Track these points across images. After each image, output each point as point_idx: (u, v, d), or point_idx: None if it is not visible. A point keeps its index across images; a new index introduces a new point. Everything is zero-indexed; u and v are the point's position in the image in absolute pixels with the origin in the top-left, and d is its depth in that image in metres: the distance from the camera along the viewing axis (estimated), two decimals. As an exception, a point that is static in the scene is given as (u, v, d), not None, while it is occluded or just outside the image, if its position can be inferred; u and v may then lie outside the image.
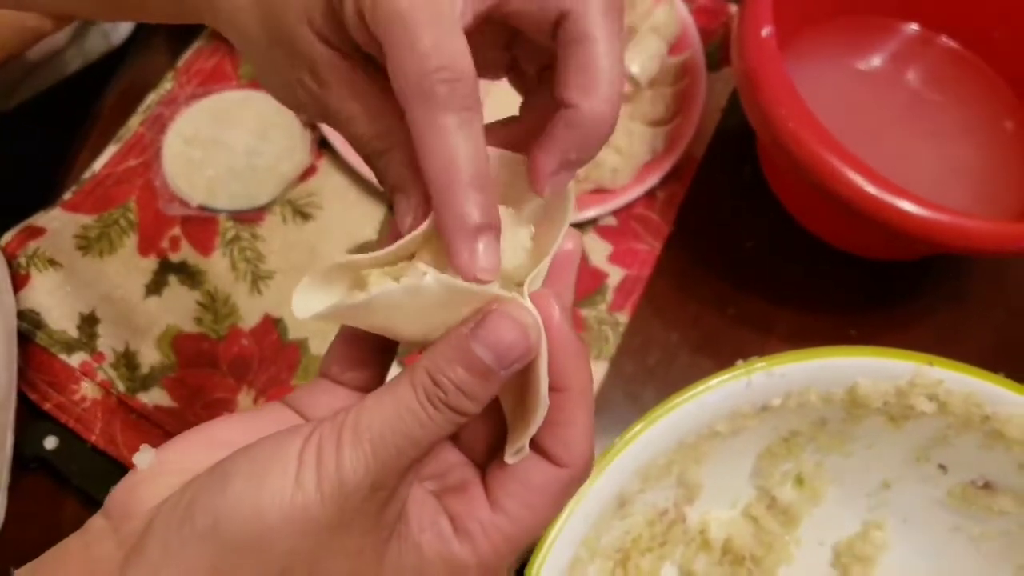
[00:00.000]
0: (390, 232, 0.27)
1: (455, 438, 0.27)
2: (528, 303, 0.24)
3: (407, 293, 0.23)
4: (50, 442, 0.49)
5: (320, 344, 0.54)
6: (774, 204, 0.61)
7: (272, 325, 0.54)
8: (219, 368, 0.53)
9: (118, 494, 0.24)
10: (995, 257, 0.59)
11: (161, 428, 0.50)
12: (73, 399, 0.50)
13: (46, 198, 0.57)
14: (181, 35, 0.63)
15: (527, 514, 0.25)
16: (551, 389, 0.24)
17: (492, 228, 0.24)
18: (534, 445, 0.25)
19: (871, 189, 0.47)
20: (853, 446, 0.46)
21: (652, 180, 0.59)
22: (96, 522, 0.24)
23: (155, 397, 0.51)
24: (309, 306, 0.25)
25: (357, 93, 0.26)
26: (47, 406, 0.50)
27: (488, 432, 0.26)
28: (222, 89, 0.60)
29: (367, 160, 0.27)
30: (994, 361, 0.57)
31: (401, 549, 0.24)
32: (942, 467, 0.46)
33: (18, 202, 0.56)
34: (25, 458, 0.48)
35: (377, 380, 0.27)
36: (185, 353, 0.53)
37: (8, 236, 0.53)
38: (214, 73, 0.61)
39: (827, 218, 0.58)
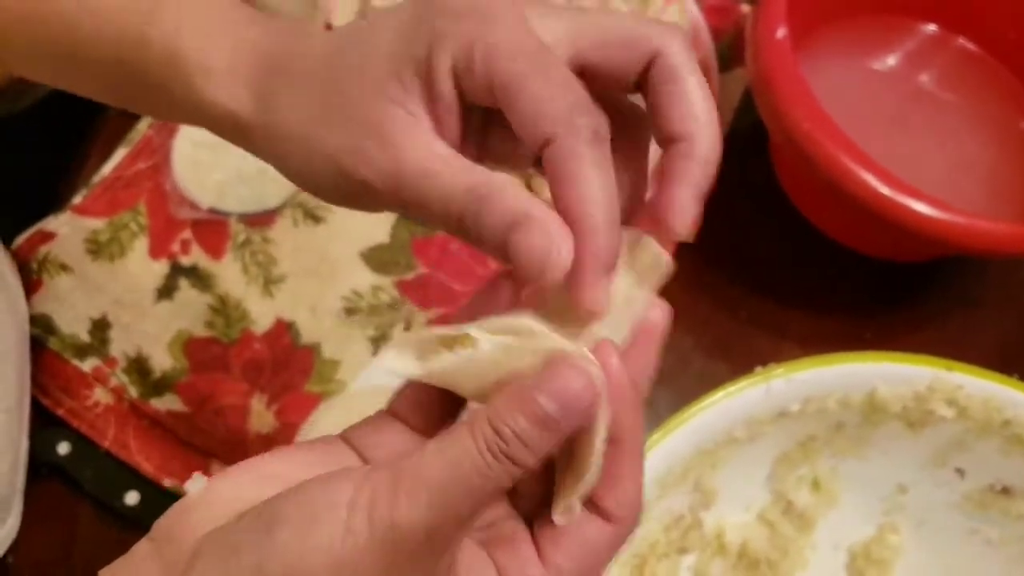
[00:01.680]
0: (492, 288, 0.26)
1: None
2: (589, 355, 0.23)
3: (464, 360, 0.23)
4: (63, 447, 0.49)
5: (333, 348, 0.54)
6: (787, 205, 0.60)
7: (284, 329, 0.54)
8: (231, 373, 0.53)
9: (166, 520, 0.24)
10: (1010, 258, 0.59)
11: (174, 433, 0.50)
12: (86, 404, 0.50)
13: (56, 202, 0.56)
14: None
15: (576, 569, 0.24)
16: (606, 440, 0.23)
17: (612, 269, 0.24)
18: (588, 501, 0.24)
19: (886, 190, 0.47)
20: (870, 450, 0.46)
21: (664, 182, 0.58)
22: (142, 546, 0.24)
23: (167, 402, 0.51)
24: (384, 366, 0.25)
25: (435, 151, 0.25)
26: (60, 411, 0.50)
27: (537, 483, 0.26)
28: (232, 91, 0.60)
29: (455, 221, 0.25)
30: (1009, 362, 0.57)
31: None
32: (959, 471, 0.46)
33: (29, 206, 0.56)
34: (39, 464, 0.48)
35: (443, 426, 0.27)
36: (197, 358, 0.53)
37: (19, 241, 0.53)
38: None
39: (841, 219, 0.58)
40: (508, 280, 0.26)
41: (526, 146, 0.25)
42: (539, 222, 0.23)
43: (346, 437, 0.26)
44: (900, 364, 0.41)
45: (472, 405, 0.26)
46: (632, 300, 0.26)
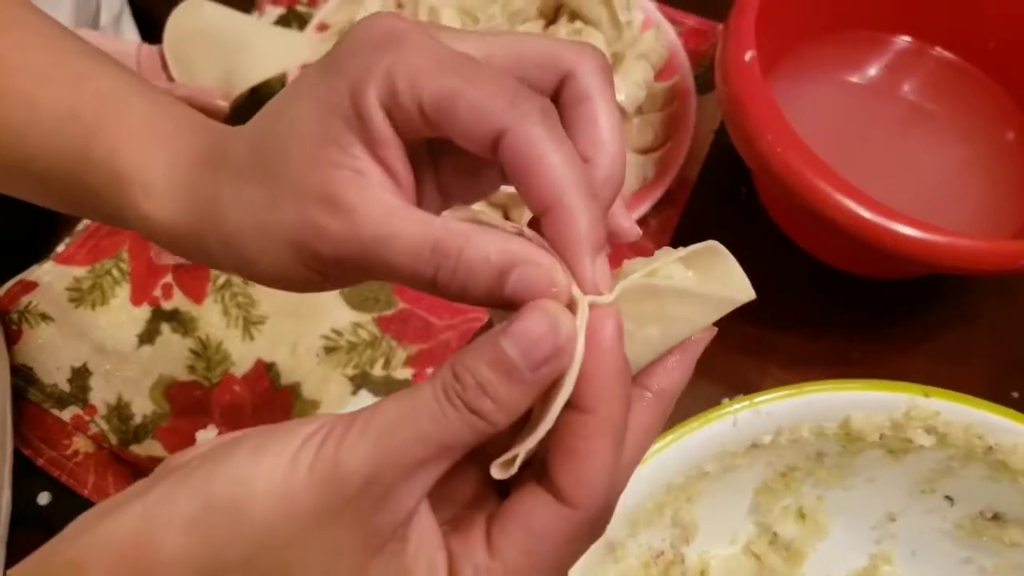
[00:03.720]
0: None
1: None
2: (584, 309, 0.22)
3: None
4: (43, 498, 0.49)
5: (313, 388, 0.54)
6: (771, 226, 0.60)
7: (265, 370, 0.54)
8: (212, 416, 0.53)
9: (169, 459, 0.24)
10: (996, 276, 0.57)
11: (154, 479, 0.50)
12: (65, 454, 0.50)
13: (40, 253, 0.57)
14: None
15: (525, 562, 0.22)
16: (575, 407, 0.21)
17: (605, 244, 0.23)
18: (545, 479, 0.22)
19: (865, 213, 0.46)
20: (854, 479, 0.45)
21: (643, 208, 0.58)
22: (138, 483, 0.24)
23: (148, 448, 0.51)
24: None
25: (390, 205, 0.24)
26: (40, 462, 0.50)
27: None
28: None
29: (427, 282, 0.23)
30: (1003, 379, 0.56)
31: (388, 569, 0.22)
32: (948, 498, 0.44)
33: (13, 258, 0.57)
34: (20, 515, 0.48)
35: None
36: (178, 402, 0.53)
37: (1, 292, 0.54)
38: (203, 119, 0.62)
39: (824, 240, 0.57)
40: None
41: (478, 153, 0.24)
42: (527, 260, 0.22)
43: None
44: (874, 391, 0.40)
45: None
46: (686, 307, 0.24)
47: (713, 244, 0.25)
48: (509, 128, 0.23)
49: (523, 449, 0.21)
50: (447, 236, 0.23)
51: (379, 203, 0.24)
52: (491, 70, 0.24)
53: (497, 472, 0.22)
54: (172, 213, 0.29)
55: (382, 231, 0.23)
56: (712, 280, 0.25)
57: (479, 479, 0.24)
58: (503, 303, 0.23)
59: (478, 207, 0.27)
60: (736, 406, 0.39)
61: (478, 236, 0.23)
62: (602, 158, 0.25)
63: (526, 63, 0.25)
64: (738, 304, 0.25)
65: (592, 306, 0.22)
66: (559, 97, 0.25)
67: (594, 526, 0.23)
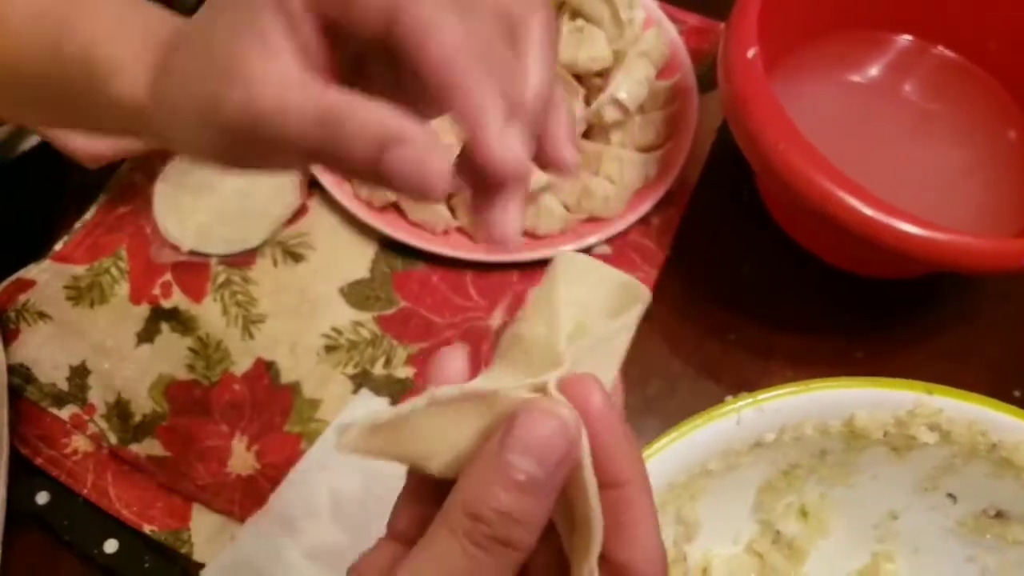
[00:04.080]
0: None
1: None
2: (559, 396, 0.21)
3: (423, 410, 0.21)
4: (42, 497, 0.49)
5: (314, 387, 0.53)
6: (773, 225, 0.59)
7: (264, 369, 0.54)
8: (212, 415, 0.52)
9: None
10: (998, 275, 0.57)
11: (153, 478, 0.50)
12: (64, 453, 0.50)
13: (37, 252, 0.57)
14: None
15: None
16: (605, 487, 0.20)
17: (521, 114, 0.22)
18: (605, 561, 0.21)
19: (867, 211, 0.46)
20: (857, 477, 0.45)
21: (645, 207, 0.58)
22: None
23: (147, 447, 0.51)
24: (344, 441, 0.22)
25: (290, 77, 0.23)
26: (38, 460, 0.50)
27: (547, 550, 0.22)
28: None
29: (316, 155, 0.23)
30: (1006, 378, 0.56)
31: None
32: (951, 496, 0.44)
33: (12, 255, 0.56)
34: (18, 514, 0.48)
35: None
36: (178, 401, 0.53)
37: (-2, 290, 0.54)
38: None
39: (827, 238, 0.57)
40: (462, 347, 0.24)
41: (371, 35, 0.23)
42: (408, 137, 0.21)
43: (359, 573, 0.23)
44: (877, 389, 0.40)
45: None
46: (611, 336, 0.23)
47: (615, 273, 0.24)
48: (401, 4, 0.22)
49: (593, 555, 0.20)
50: (332, 107, 0.22)
51: (279, 76, 0.23)
52: None
53: None
54: (138, 89, 0.28)
55: (275, 103, 0.23)
56: (620, 299, 0.24)
57: None
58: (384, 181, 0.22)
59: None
60: (740, 403, 0.39)
61: (363, 109, 0.22)
62: (531, 69, 0.24)
63: (481, 11, 0.24)
64: (640, 306, 0.24)
65: (562, 380, 0.21)
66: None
67: None
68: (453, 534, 0.19)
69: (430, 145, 0.21)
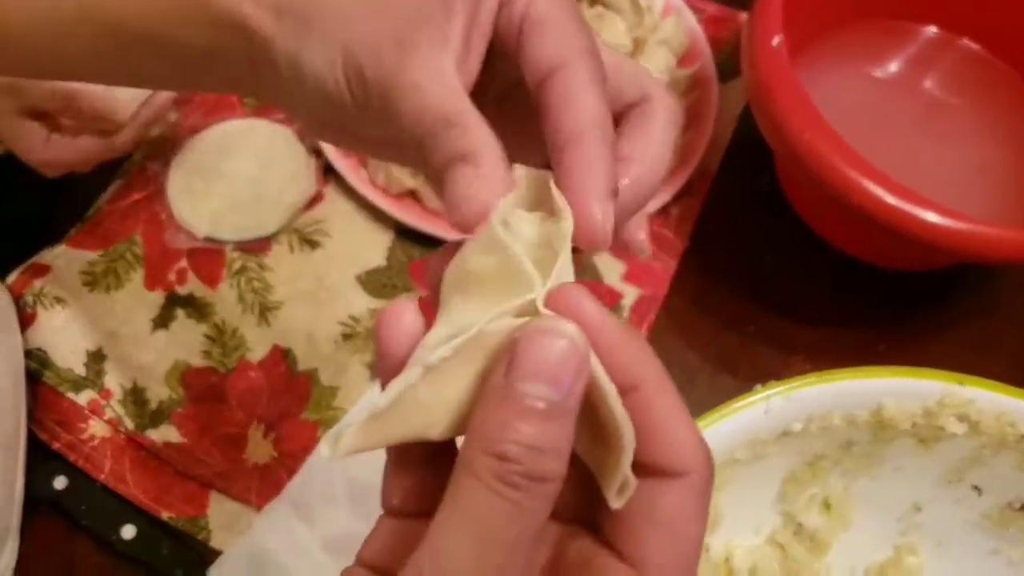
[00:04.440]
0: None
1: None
2: (551, 313, 0.20)
3: (419, 382, 0.20)
4: (60, 482, 0.48)
5: (331, 374, 0.53)
6: (792, 216, 0.59)
7: (281, 356, 0.54)
8: (228, 402, 0.52)
9: None
10: (1021, 266, 0.57)
11: (171, 465, 0.50)
12: (81, 438, 0.49)
13: (52, 236, 0.56)
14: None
15: (673, 553, 0.20)
16: (626, 391, 0.20)
17: (613, 199, 0.23)
18: (638, 469, 0.19)
19: (892, 200, 0.46)
20: (881, 469, 0.44)
21: (664, 197, 0.57)
22: None
23: (164, 434, 0.51)
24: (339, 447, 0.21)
25: (438, 71, 0.24)
26: (56, 445, 0.49)
27: (576, 483, 0.21)
28: (225, 119, 0.60)
29: (415, 142, 0.23)
30: (1026, 372, 0.56)
31: None
32: (976, 488, 0.44)
33: (24, 240, 0.56)
34: (36, 499, 0.48)
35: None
36: (194, 388, 0.52)
37: (14, 275, 0.53)
38: (218, 103, 0.61)
39: (848, 229, 0.56)
40: (408, 297, 0.24)
41: (531, 81, 0.24)
42: (484, 159, 0.22)
43: (364, 562, 0.22)
44: (908, 379, 0.39)
45: None
46: (558, 243, 0.22)
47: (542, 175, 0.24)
48: (571, 63, 0.23)
49: (626, 463, 0.19)
50: (462, 111, 0.23)
51: (431, 58, 0.23)
52: (589, 30, 0.25)
53: (619, 502, 0.19)
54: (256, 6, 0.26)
55: (414, 78, 0.23)
56: (530, 191, 0.23)
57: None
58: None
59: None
60: (768, 392, 0.38)
61: (480, 127, 0.23)
62: (642, 159, 0.25)
63: (619, 73, 0.26)
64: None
65: (550, 291, 0.20)
66: (628, 112, 0.26)
67: (711, 479, 0.21)
68: (479, 480, 0.18)
69: (494, 176, 0.22)
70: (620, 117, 0.26)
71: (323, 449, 0.20)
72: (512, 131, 0.25)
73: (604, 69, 0.24)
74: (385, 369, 0.22)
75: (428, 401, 0.20)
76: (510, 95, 0.27)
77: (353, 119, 0.25)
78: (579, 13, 0.25)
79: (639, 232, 0.27)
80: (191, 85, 0.31)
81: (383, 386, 0.21)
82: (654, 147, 0.25)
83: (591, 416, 0.20)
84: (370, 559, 0.22)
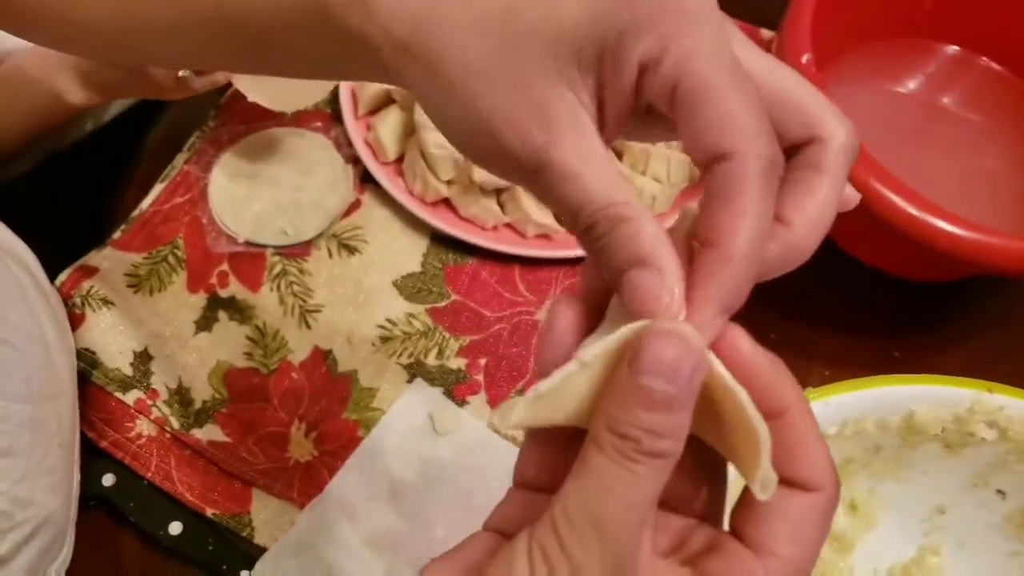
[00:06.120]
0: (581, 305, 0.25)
1: (666, 504, 0.24)
2: (669, 319, 0.22)
3: (574, 374, 0.22)
4: (108, 479, 0.50)
5: (370, 376, 0.54)
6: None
7: (322, 358, 0.55)
8: (270, 402, 0.53)
9: None
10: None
11: (215, 464, 0.51)
12: (128, 436, 0.51)
13: (97, 236, 0.58)
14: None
15: (796, 550, 0.22)
16: (773, 414, 0.22)
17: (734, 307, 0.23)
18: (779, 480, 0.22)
19: (913, 211, 0.48)
20: (908, 472, 0.46)
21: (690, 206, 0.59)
22: None
23: (208, 433, 0.52)
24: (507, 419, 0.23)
25: (591, 150, 0.23)
26: (104, 444, 0.50)
27: (691, 483, 0.24)
28: (264, 126, 0.62)
29: (580, 226, 0.23)
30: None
31: None
32: (1000, 492, 0.46)
33: (71, 241, 0.57)
34: (85, 495, 0.49)
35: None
36: (236, 388, 0.54)
37: (63, 276, 0.54)
38: (256, 110, 0.62)
39: (868, 241, 0.58)
40: (573, 299, 0.24)
41: (692, 155, 0.23)
42: (661, 268, 0.22)
43: (491, 527, 0.25)
44: (940, 386, 0.41)
45: None
46: None
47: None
48: (736, 156, 0.22)
49: (766, 463, 0.21)
50: (626, 201, 0.23)
51: (583, 144, 0.23)
52: (758, 95, 0.23)
53: (764, 494, 0.22)
54: (387, 22, 0.25)
55: (572, 167, 0.23)
56: None
57: (663, 515, 0.24)
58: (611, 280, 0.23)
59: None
60: (807, 397, 0.40)
61: (648, 221, 0.22)
62: (800, 226, 0.24)
63: (782, 105, 0.24)
64: None
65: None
66: (795, 152, 0.24)
67: (836, 499, 0.23)
68: (603, 452, 0.21)
69: (672, 281, 0.22)
70: (789, 154, 0.24)
71: (494, 418, 0.23)
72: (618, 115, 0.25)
73: (774, 151, 0.22)
74: (543, 361, 0.24)
75: (579, 391, 0.23)
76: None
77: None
78: (739, 68, 0.22)
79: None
80: (321, 77, 0.31)
81: (540, 374, 0.24)
82: (814, 208, 0.24)
83: (720, 409, 0.22)
84: (498, 524, 0.25)
